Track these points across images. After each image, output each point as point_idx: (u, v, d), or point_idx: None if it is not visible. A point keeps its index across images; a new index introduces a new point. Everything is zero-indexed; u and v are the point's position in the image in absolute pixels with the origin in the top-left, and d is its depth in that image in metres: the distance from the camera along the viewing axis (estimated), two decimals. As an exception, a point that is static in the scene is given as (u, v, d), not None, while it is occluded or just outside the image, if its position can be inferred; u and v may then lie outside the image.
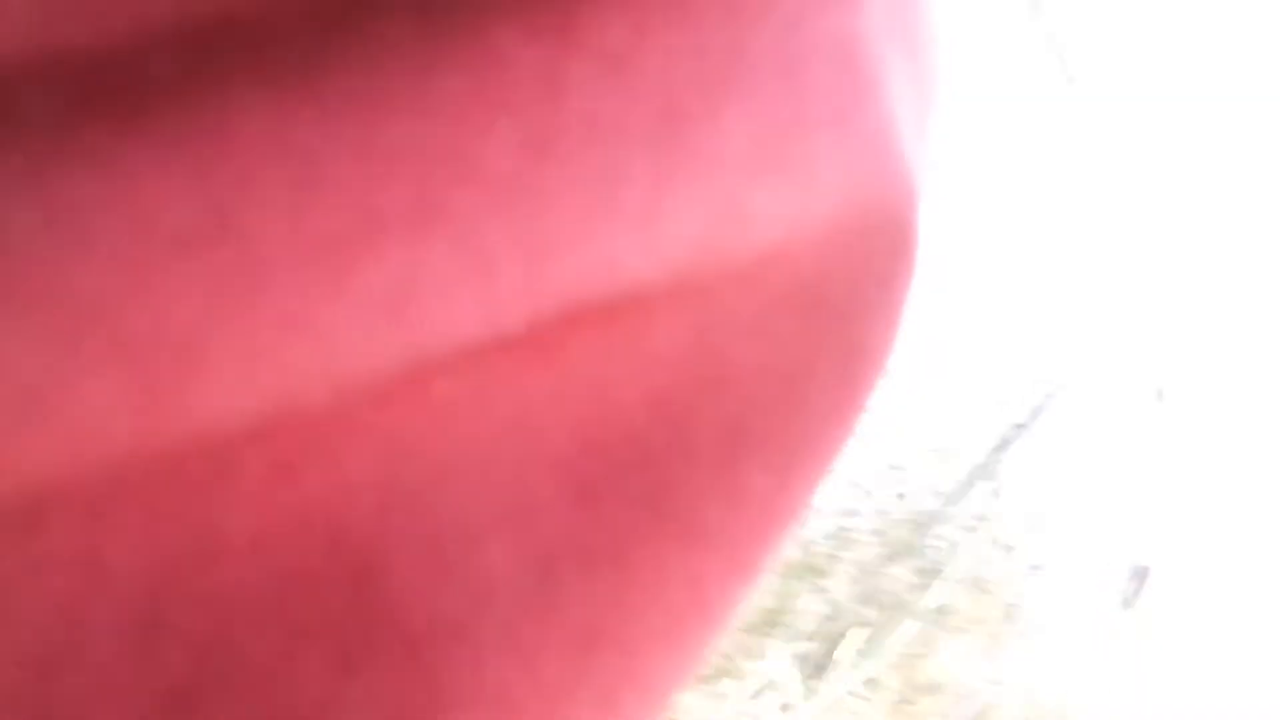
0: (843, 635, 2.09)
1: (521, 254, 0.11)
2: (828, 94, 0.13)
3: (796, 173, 0.13)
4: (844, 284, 0.15)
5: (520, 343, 0.12)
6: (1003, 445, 2.55)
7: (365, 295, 0.10)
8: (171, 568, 0.11)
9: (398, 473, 0.12)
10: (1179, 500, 3.11)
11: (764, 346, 0.14)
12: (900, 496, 2.42)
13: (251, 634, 0.11)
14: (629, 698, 0.13)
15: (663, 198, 0.12)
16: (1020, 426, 2.56)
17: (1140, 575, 3.08)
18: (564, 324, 0.12)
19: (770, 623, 2.11)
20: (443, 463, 0.12)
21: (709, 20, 0.11)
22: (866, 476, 2.38)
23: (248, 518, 0.11)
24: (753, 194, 0.12)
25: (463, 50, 0.10)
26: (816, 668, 2.09)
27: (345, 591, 0.11)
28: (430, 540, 0.12)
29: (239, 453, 0.11)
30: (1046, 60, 2.07)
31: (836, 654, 2.03)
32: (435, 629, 0.12)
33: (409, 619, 0.12)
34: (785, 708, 1.83)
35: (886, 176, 0.14)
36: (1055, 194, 2.28)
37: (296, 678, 0.11)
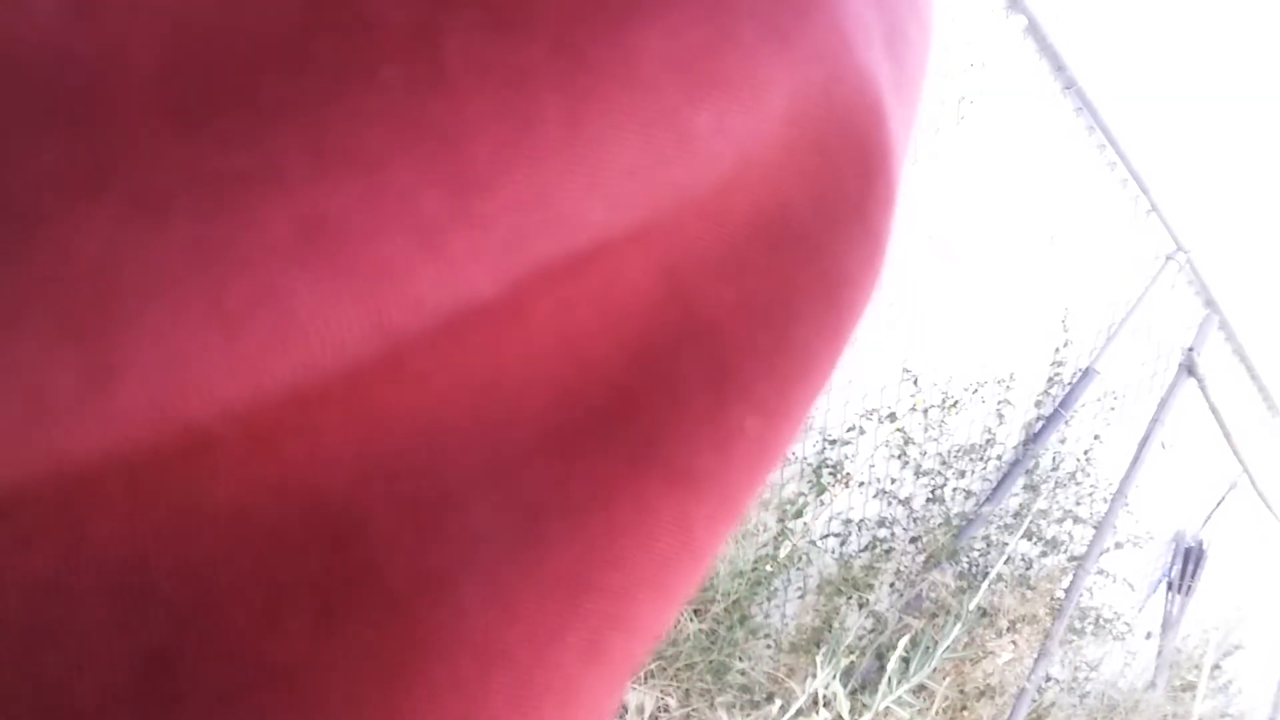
0: (888, 647, 2.07)
1: (464, 211, 0.11)
2: (763, 11, 0.12)
3: (738, 92, 0.12)
4: (813, 213, 0.14)
5: (491, 310, 0.12)
6: (1033, 439, 2.52)
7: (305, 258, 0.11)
8: (153, 539, 0.11)
9: (375, 442, 0.12)
10: (1225, 479, 3.05)
11: (738, 285, 0.14)
12: (934, 501, 2.40)
13: (233, 598, 0.11)
14: (617, 643, 0.13)
15: (585, 127, 0.12)
16: (1049, 418, 2.53)
17: (1192, 558, 3.01)
18: (532, 285, 0.12)
19: (816, 641, 2.10)
20: (420, 429, 0.12)
21: None
22: (897, 485, 2.37)
23: (227, 489, 0.11)
24: (692, 116, 0.12)
25: (333, 14, 0.11)
26: (864, 681, 2.07)
27: (324, 554, 0.12)
28: (409, 501, 0.12)
29: (216, 429, 0.11)
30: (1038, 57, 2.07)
31: (883, 665, 2.01)
32: (415, 584, 0.12)
33: (388, 576, 0.12)
34: (836, 724, 1.82)
35: (843, 96, 0.14)
36: (1063, 184, 2.27)
37: (277, 637, 0.11)
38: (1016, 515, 2.46)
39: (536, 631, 0.13)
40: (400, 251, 0.11)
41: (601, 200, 0.12)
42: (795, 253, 0.14)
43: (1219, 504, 3.04)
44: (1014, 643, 2.26)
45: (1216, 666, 3.02)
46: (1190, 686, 2.88)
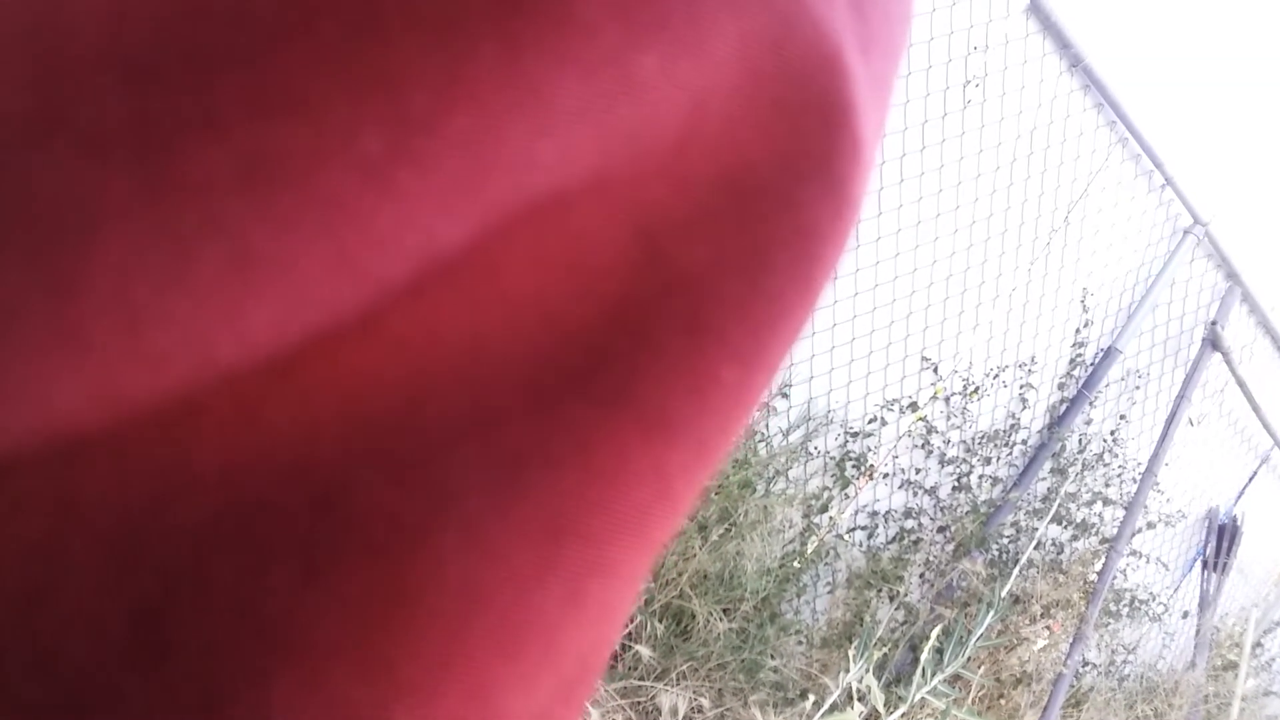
0: (921, 638, 2.06)
1: (405, 149, 0.12)
2: None
3: (681, 37, 0.13)
4: (777, 169, 0.14)
5: (462, 270, 0.12)
6: (1058, 421, 2.50)
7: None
8: (141, 502, 0.12)
9: (357, 404, 0.12)
10: (1256, 452, 3.00)
11: (710, 242, 0.14)
12: (960, 490, 2.38)
13: (220, 557, 0.12)
14: (597, 588, 0.14)
15: (524, 67, 0.12)
16: (1073, 400, 2.50)
17: (1226, 535, 2.97)
18: (499, 242, 0.13)
19: (847, 635, 2.08)
20: (401, 391, 0.12)
21: None
22: (922, 475, 2.35)
23: (213, 454, 0.12)
24: (636, 59, 0.12)
25: None
26: (898, 674, 2.06)
27: (308, 512, 0.12)
28: (391, 460, 0.12)
29: (202, 397, 0.12)
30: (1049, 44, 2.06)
31: (916, 657, 1.99)
32: (397, 536, 0.12)
33: (371, 530, 0.12)
34: (871, 718, 1.81)
35: (798, 50, 0.14)
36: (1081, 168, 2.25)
37: (263, 591, 0.12)
38: (1045, 500, 2.44)
39: (518, 578, 0.13)
40: (345, 186, 0.11)
41: (551, 141, 0.12)
42: (763, 207, 0.14)
43: (1251, 479, 3.00)
44: (1048, 628, 2.24)
45: (1258, 644, 2.98)
46: (1232, 666, 2.83)
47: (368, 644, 0.12)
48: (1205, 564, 2.91)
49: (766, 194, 0.14)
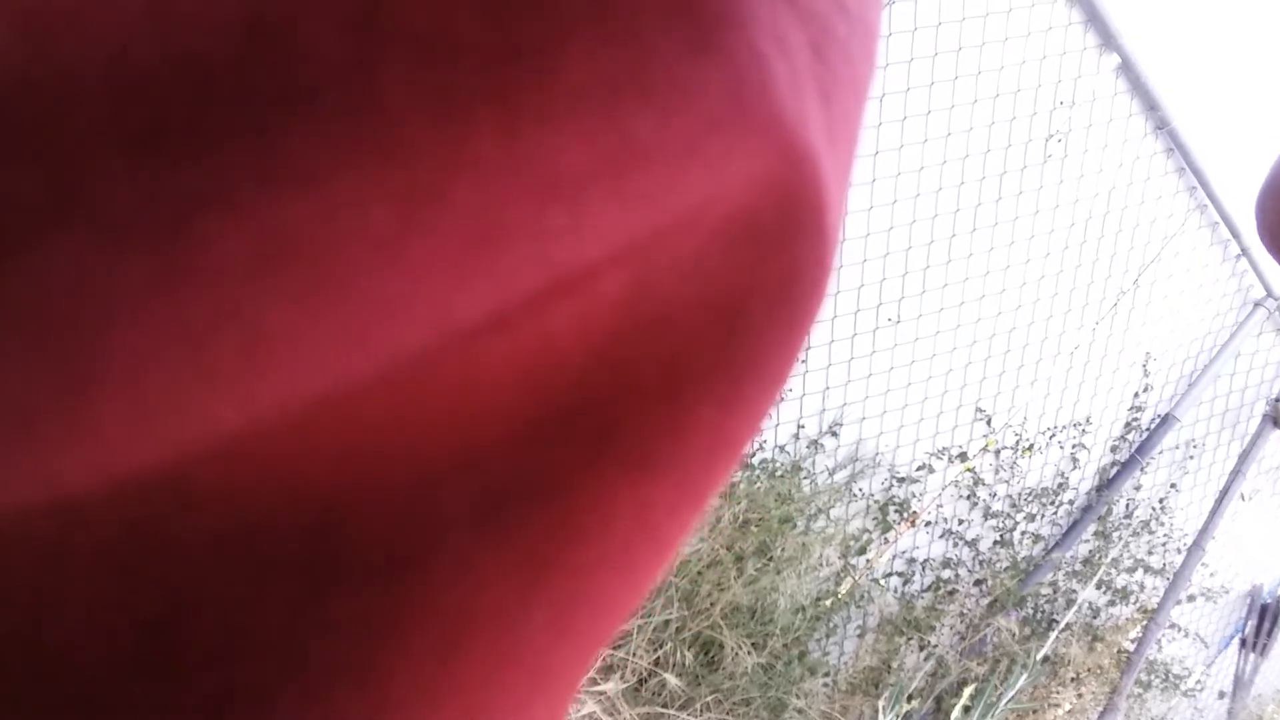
0: (950, 692, 2.03)
1: (415, 221, 0.12)
2: (675, 32, 0.13)
3: (669, 100, 0.13)
4: (779, 213, 0.14)
5: (479, 335, 0.12)
6: (1107, 485, 2.45)
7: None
8: (148, 513, 0.12)
9: (357, 438, 0.12)
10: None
11: (700, 281, 0.14)
12: (1001, 544, 2.35)
13: (224, 571, 0.12)
14: (583, 618, 0.14)
15: (523, 135, 0.12)
16: (1125, 464, 2.46)
17: (1269, 615, 2.90)
18: (518, 303, 0.13)
19: (874, 681, 2.06)
20: (394, 423, 0.13)
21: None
22: (965, 526, 2.32)
23: (213, 473, 0.12)
24: (633, 122, 0.12)
25: (273, 45, 0.11)
26: (923, 727, 2.03)
27: (305, 536, 0.12)
28: (383, 487, 0.13)
29: (201, 445, 0.12)
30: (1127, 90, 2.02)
31: (940, 708, 1.96)
32: (391, 562, 0.13)
33: (366, 556, 0.13)
34: (894, 770, 1.78)
35: (764, 111, 0.14)
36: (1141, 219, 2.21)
37: (264, 609, 0.12)
38: (1086, 563, 2.39)
39: (504, 605, 0.14)
40: (358, 260, 0.11)
41: (561, 207, 0.12)
42: (757, 252, 0.14)
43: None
44: (1079, 695, 2.20)
45: (1289, 728, 2.90)
46: (1260, 748, 2.76)
47: (363, 666, 0.13)
48: (1243, 643, 2.84)
49: (761, 239, 0.14)
